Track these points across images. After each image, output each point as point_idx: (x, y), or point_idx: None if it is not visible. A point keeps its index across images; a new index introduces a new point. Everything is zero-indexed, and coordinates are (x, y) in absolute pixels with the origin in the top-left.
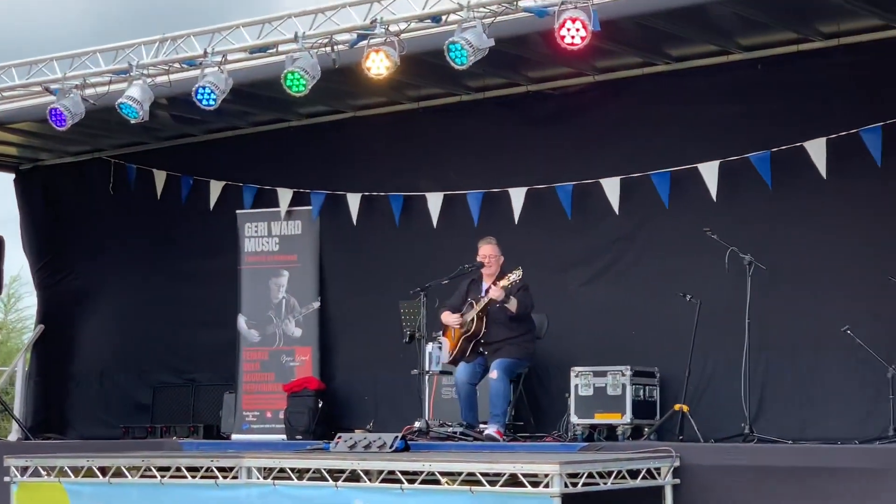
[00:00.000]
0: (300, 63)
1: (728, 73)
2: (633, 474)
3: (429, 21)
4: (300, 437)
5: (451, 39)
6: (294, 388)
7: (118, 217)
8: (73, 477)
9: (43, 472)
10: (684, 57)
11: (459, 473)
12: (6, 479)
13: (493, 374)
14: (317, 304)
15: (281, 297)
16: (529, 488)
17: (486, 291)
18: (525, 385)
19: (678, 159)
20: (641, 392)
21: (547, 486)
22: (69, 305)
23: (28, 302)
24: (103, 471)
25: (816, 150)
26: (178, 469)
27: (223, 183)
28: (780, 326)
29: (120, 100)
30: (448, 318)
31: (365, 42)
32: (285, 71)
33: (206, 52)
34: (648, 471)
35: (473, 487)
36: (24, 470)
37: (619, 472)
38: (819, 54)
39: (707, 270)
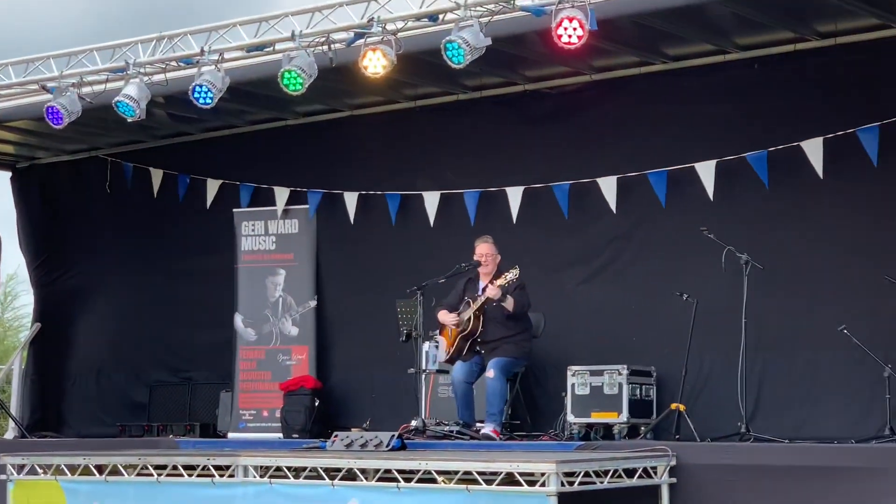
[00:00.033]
0: (297, 62)
1: (725, 73)
2: (630, 473)
3: (426, 20)
4: (297, 435)
5: (448, 38)
6: (290, 387)
7: (115, 215)
8: (69, 475)
9: (39, 470)
10: (681, 56)
11: (456, 472)
12: (2, 476)
13: (490, 372)
14: (313, 303)
15: (278, 296)
16: (526, 487)
17: (483, 290)
18: (522, 384)
19: (675, 159)
20: (638, 391)
21: (543, 484)
22: (66, 304)
23: (25, 300)
24: (100, 469)
25: (813, 149)
26: (175, 467)
27: (220, 181)
28: (776, 326)
29: (117, 98)
30: (445, 317)
31: (362, 41)
32: (282, 70)
33: (202, 51)
34: (645, 470)
35: (470, 486)
36: (20, 468)
37: (616, 471)
38: (816, 54)
39: (704, 270)
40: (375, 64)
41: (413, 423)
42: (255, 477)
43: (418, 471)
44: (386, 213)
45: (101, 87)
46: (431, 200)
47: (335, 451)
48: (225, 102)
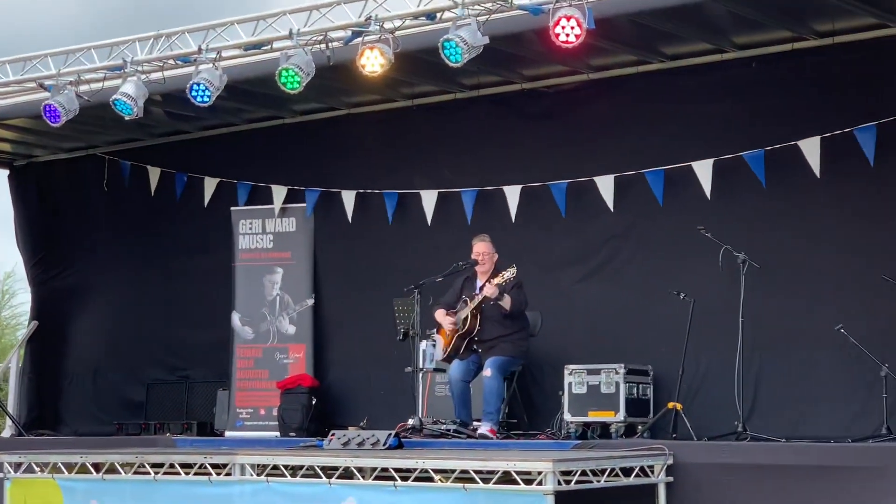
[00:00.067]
0: (295, 60)
1: (722, 72)
2: (627, 472)
3: (423, 18)
4: (293, 434)
5: (445, 37)
6: (288, 386)
7: (112, 214)
8: (66, 473)
9: (36, 469)
10: (679, 55)
11: (453, 471)
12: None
13: (487, 371)
14: (311, 302)
15: (275, 295)
16: (523, 486)
17: (481, 289)
18: (519, 383)
19: (672, 157)
20: (635, 390)
21: (540, 483)
22: (63, 302)
23: (22, 298)
24: (97, 467)
25: (810, 148)
26: (172, 466)
27: (217, 180)
28: (773, 324)
29: (114, 96)
30: (442, 318)
31: (359, 39)
32: (280, 68)
33: (200, 49)
34: (642, 469)
35: (467, 485)
36: (17, 466)
37: (613, 469)
38: (814, 53)
39: (701, 269)
40: (373, 62)
41: (410, 421)
42: (252, 475)
43: (415, 469)
44: (383, 212)
45: (99, 85)
46: (429, 199)
47: (332, 449)
48: (222, 101)
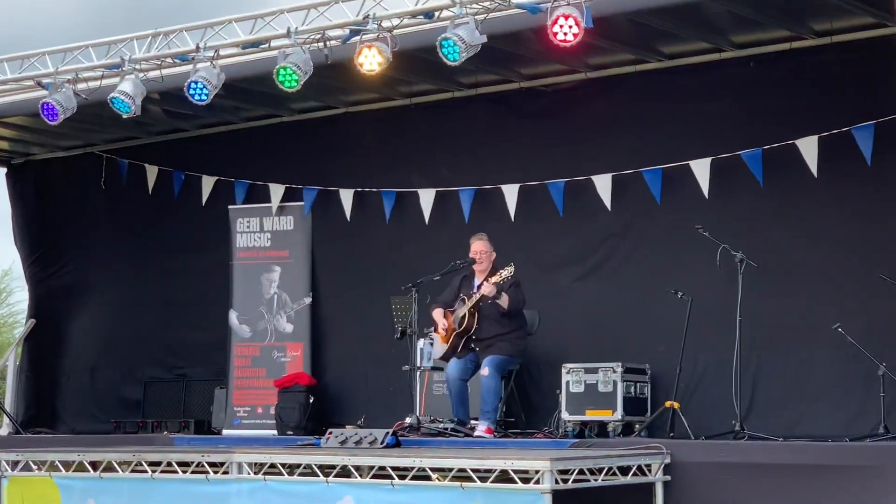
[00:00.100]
0: (292, 58)
1: (720, 71)
2: (624, 471)
3: (421, 17)
4: (291, 432)
5: (443, 35)
6: (285, 384)
7: (110, 212)
8: (63, 471)
9: (34, 467)
10: (677, 54)
11: (450, 469)
12: None
13: (485, 370)
14: (308, 300)
15: (272, 293)
16: (520, 484)
17: (478, 288)
18: (516, 381)
19: (670, 156)
20: (632, 389)
21: (537, 482)
22: (60, 300)
23: (19, 296)
24: (94, 465)
25: (808, 147)
26: (169, 464)
27: (215, 178)
28: (771, 323)
29: (112, 94)
30: (438, 318)
31: (357, 38)
32: (277, 66)
33: (198, 48)
34: (639, 467)
35: (464, 483)
36: (14, 464)
37: (610, 468)
38: (811, 52)
39: (699, 268)
40: (371, 61)
41: (407, 420)
42: (249, 474)
43: (413, 468)
44: (381, 211)
45: (97, 83)
46: (426, 198)
47: (329, 448)
48: (220, 99)
